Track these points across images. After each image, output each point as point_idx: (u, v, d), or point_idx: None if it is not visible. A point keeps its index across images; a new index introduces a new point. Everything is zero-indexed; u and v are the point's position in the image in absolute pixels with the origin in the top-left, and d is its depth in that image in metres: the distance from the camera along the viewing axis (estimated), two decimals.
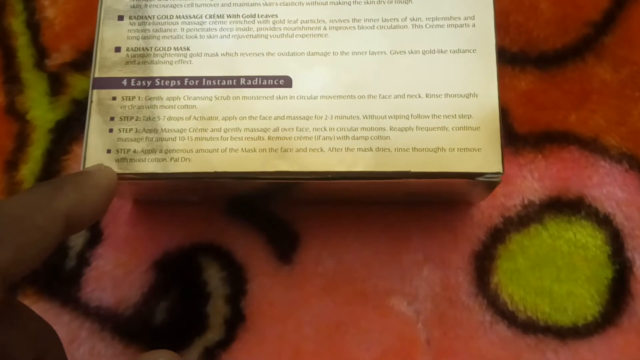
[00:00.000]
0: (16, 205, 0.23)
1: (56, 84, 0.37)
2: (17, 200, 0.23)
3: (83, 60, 0.37)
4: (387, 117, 0.27)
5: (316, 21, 0.29)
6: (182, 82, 0.28)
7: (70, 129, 0.36)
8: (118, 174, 0.27)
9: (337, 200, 0.33)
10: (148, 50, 0.28)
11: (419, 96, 0.27)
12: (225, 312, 0.33)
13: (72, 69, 0.37)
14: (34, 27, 0.38)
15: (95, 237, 0.34)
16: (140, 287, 0.34)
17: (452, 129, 0.27)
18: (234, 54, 0.28)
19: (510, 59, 0.35)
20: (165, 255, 0.34)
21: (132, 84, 0.28)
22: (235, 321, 0.33)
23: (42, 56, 0.37)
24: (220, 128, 0.27)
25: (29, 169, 0.35)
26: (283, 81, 0.28)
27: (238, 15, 0.29)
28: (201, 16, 0.29)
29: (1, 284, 0.21)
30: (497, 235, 0.33)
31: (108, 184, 0.26)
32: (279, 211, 0.34)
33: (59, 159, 0.36)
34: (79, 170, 0.26)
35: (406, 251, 0.33)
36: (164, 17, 0.29)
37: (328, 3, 0.29)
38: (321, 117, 0.27)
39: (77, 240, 0.34)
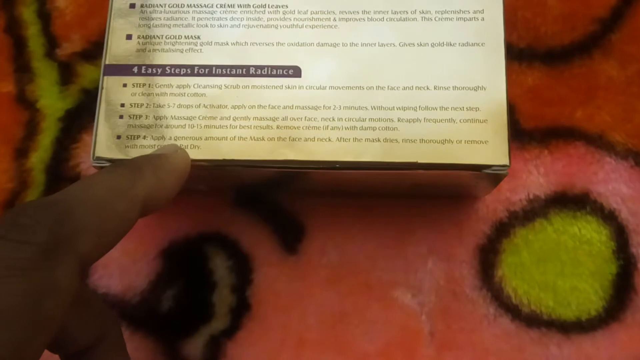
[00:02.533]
0: (99, 188, 0.22)
1: (66, 74, 0.37)
2: (99, 182, 0.23)
3: (93, 50, 0.37)
4: (395, 108, 0.27)
5: (326, 12, 0.29)
6: (192, 71, 0.28)
7: (80, 118, 0.36)
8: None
9: (343, 192, 0.33)
10: (159, 38, 0.29)
11: (427, 88, 0.28)
12: (230, 301, 0.33)
13: (82, 59, 0.37)
14: (44, 16, 0.38)
15: None
16: (147, 275, 0.34)
17: (460, 121, 0.27)
18: (244, 44, 0.28)
19: (517, 54, 0.35)
20: (172, 244, 0.34)
21: (143, 71, 0.28)
22: (241, 310, 0.33)
23: (52, 46, 0.38)
24: (230, 116, 0.28)
25: (38, 157, 0.36)
26: (292, 71, 0.28)
27: (249, 5, 0.29)
28: (212, 5, 0.29)
29: (80, 268, 0.21)
30: (502, 230, 0.33)
31: (184, 168, 0.26)
32: (285, 202, 0.35)
33: (68, 147, 0.36)
34: (156, 152, 0.26)
35: (411, 244, 0.34)
36: (175, 5, 0.29)
37: None
38: (329, 107, 0.27)
39: None
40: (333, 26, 0.29)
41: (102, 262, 0.34)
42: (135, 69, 0.28)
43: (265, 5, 0.29)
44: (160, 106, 0.28)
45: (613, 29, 0.35)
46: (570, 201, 0.33)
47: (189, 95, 0.28)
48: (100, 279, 0.34)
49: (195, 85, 0.28)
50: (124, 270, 0.34)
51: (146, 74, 0.28)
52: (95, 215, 0.21)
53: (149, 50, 0.29)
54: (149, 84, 0.28)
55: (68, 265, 0.20)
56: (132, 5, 0.29)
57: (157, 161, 0.25)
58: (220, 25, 0.29)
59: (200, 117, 0.28)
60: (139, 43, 0.29)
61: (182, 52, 0.29)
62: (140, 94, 0.28)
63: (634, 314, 0.32)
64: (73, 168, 0.35)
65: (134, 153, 0.27)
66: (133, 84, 0.28)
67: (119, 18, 0.29)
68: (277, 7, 0.29)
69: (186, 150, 0.27)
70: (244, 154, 0.27)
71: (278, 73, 0.28)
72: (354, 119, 0.27)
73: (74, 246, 0.20)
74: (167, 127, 0.28)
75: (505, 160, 0.27)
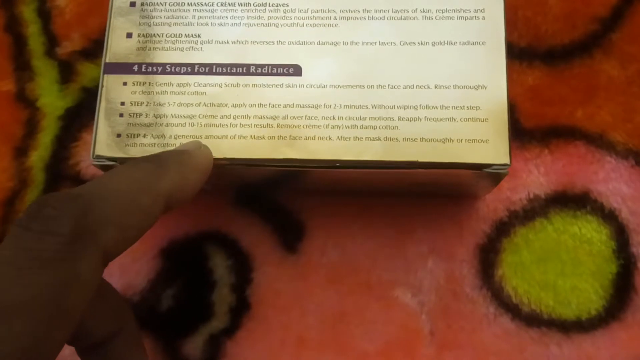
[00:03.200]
0: (122, 182, 0.22)
1: (66, 72, 0.37)
2: (123, 176, 0.23)
3: (93, 49, 0.37)
4: (395, 107, 0.27)
5: (327, 11, 0.29)
6: (192, 69, 0.28)
7: (80, 116, 0.36)
8: (127, 158, 0.27)
9: (344, 191, 0.33)
10: (159, 36, 0.29)
11: (428, 87, 0.28)
12: (230, 300, 0.33)
13: (82, 57, 0.37)
14: (44, 15, 0.38)
15: None
16: (147, 274, 0.34)
17: (461, 120, 0.27)
18: (244, 42, 0.28)
19: (517, 54, 0.35)
20: (172, 243, 0.34)
21: (143, 69, 0.28)
22: (240, 309, 0.33)
23: (52, 44, 0.38)
24: (230, 115, 0.28)
25: (38, 155, 0.36)
26: (293, 70, 0.28)
27: (249, 4, 0.29)
28: (212, 4, 0.29)
29: (102, 262, 0.20)
30: (502, 229, 0.33)
31: (207, 165, 0.26)
32: (285, 201, 0.35)
33: (68, 146, 0.36)
34: (180, 149, 0.26)
35: (411, 243, 0.34)
36: (175, 4, 0.29)
37: None
38: (330, 106, 0.27)
39: None
40: (334, 25, 0.29)
41: None
42: (136, 68, 0.28)
43: (266, 3, 0.29)
44: (160, 104, 0.28)
45: (613, 29, 0.35)
46: (571, 200, 0.33)
47: (189, 93, 0.28)
48: None
49: (196, 84, 0.28)
50: (124, 269, 0.34)
51: (146, 73, 0.28)
52: (119, 209, 0.21)
53: (150, 49, 0.29)
54: (149, 83, 0.28)
55: (91, 258, 0.20)
56: (133, 4, 0.29)
57: (181, 157, 0.25)
58: (221, 24, 0.29)
59: (201, 116, 0.28)
60: (139, 41, 0.29)
61: (182, 50, 0.28)
62: (141, 93, 0.28)
63: (634, 313, 0.32)
64: (73, 167, 0.35)
65: (134, 151, 0.27)
66: (133, 83, 0.28)
67: (120, 16, 0.29)
68: (277, 5, 0.29)
69: None
70: (245, 152, 0.27)
71: (278, 72, 0.28)
72: (355, 118, 0.27)
73: (97, 239, 0.20)
74: (167, 125, 0.28)
75: (505, 159, 0.27)
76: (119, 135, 0.28)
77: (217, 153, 0.27)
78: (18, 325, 0.18)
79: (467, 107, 0.27)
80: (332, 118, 0.27)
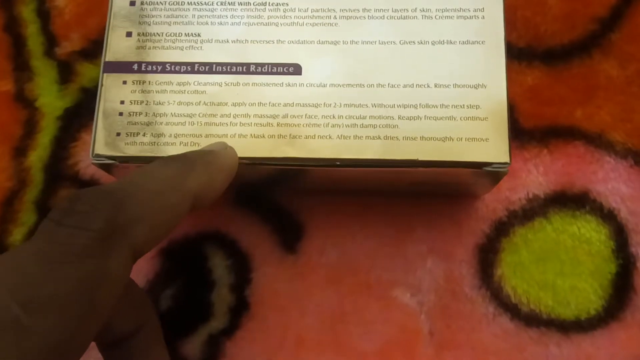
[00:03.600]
0: (153, 180, 0.22)
1: (65, 72, 0.37)
2: (153, 174, 0.23)
3: (92, 49, 0.37)
4: (395, 106, 0.27)
5: (327, 10, 0.29)
6: (192, 68, 0.28)
7: (79, 116, 0.36)
8: (126, 157, 0.27)
9: (343, 191, 0.33)
10: (159, 35, 0.29)
11: (428, 86, 0.28)
12: (229, 300, 0.33)
13: (82, 58, 0.37)
14: (44, 15, 0.38)
15: None
16: (145, 275, 0.34)
17: (460, 119, 0.27)
18: (244, 41, 0.28)
19: (517, 54, 0.35)
20: (171, 243, 0.34)
21: (143, 68, 0.28)
22: (240, 309, 0.33)
23: (51, 44, 0.38)
24: (230, 114, 0.28)
25: (37, 155, 0.36)
26: (293, 69, 0.28)
27: (249, 3, 0.29)
28: (212, 3, 0.29)
29: (132, 259, 0.21)
30: (502, 229, 0.33)
31: (232, 166, 0.26)
32: (285, 201, 0.34)
33: (67, 146, 0.36)
34: (207, 149, 0.26)
35: (410, 243, 0.34)
36: (175, 3, 0.29)
37: None
38: (330, 105, 0.27)
39: None
40: (334, 24, 0.29)
41: None
42: (135, 67, 0.28)
43: (266, 2, 0.29)
44: (160, 103, 0.28)
45: (613, 29, 0.35)
46: (570, 200, 0.33)
47: (189, 92, 0.28)
48: None
49: (196, 83, 0.28)
50: None
51: (146, 72, 0.28)
52: (149, 207, 0.21)
53: (149, 48, 0.29)
54: (149, 82, 0.28)
55: (121, 255, 0.20)
56: (133, 3, 0.29)
57: (208, 157, 0.25)
58: (221, 23, 0.29)
59: (201, 115, 0.28)
60: (139, 40, 0.29)
61: (182, 49, 0.28)
62: (140, 92, 0.28)
63: (634, 313, 0.32)
64: (72, 167, 0.35)
65: (133, 150, 0.27)
66: (133, 82, 0.28)
67: (119, 15, 0.29)
68: (277, 4, 0.29)
69: (186, 147, 0.27)
70: (244, 151, 0.27)
71: (278, 71, 0.28)
72: (355, 117, 0.27)
73: (127, 236, 0.20)
74: (166, 124, 0.28)
75: (505, 158, 0.27)
76: (118, 134, 0.28)
77: None
78: (50, 320, 0.18)
79: (467, 105, 0.27)
80: (332, 117, 0.27)
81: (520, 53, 0.35)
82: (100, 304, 0.19)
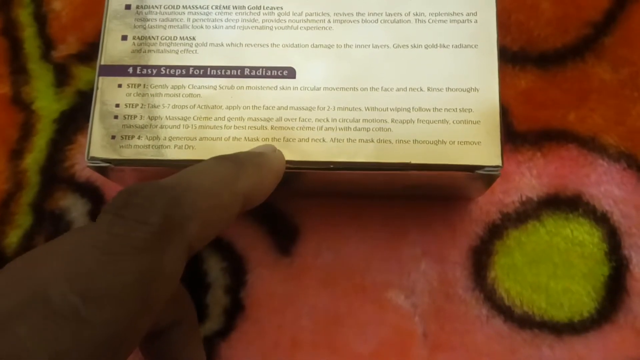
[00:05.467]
0: (207, 178, 0.22)
1: (62, 75, 0.37)
2: (207, 172, 0.23)
3: (89, 52, 0.37)
4: (389, 109, 0.28)
5: (321, 14, 0.29)
6: (187, 71, 0.28)
7: (75, 119, 0.36)
8: (121, 160, 0.27)
9: (337, 193, 0.33)
10: (154, 39, 0.29)
11: (421, 89, 0.28)
12: (224, 302, 0.33)
13: (78, 61, 0.37)
14: (41, 18, 0.38)
15: None
16: None
17: (453, 122, 0.27)
18: (239, 45, 0.29)
19: (510, 57, 0.35)
20: None
21: (138, 71, 0.28)
22: (235, 311, 0.33)
23: (48, 48, 0.38)
24: (224, 117, 0.28)
25: (33, 158, 0.36)
26: (287, 72, 0.28)
27: (244, 7, 0.29)
28: (207, 7, 0.29)
29: (186, 255, 0.21)
30: (495, 231, 0.34)
31: (280, 169, 0.26)
32: (279, 204, 0.35)
33: (63, 148, 0.36)
34: (256, 150, 0.26)
35: (404, 245, 0.34)
36: (170, 6, 0.29)
37: None
38: (324, 108, 0.28)
39: None
40: (327, 28, 0.29)
41: None
42: (131, 70, 0.28)
43: (260, 6, 0.29)
44: (155, 107, 0.28)
45: (606, 32, 0.36)
46: (563, 203, 0.34)
47: (184, 95, 0.28)
48: None
49: (190, 86, 0.28)
50: None
51: (141, 75, 0.28)
52: (204, 205, 0.21)
53: (144, 51, 0.29)
54: (144, 85, 0.28)
55: (176, 251, 0.20)
56: (128, 7, 0.29)
57: (258, 159, 0.25)
58: (216, 27, 0.29)
59: (195, 118, 0.28)
60: (134, 44, 0.29)
61: (177, 53, 0.29)
62: (135, 95, 0.28)
63: (626, 315, 0.32)
64: (68, 169, 0.36)
65: (128, 153, 0.27)
66: (128, 85, 0.28)
67: (115, 19, 0.29)
68: (272, 8, 0.29)
69: (181, 150, 0.27)
70: None
71: (273, 74, 0.28)
72: (348, 120, 0.27)
73: (183, 232, 0.20)
74: (161, 127, 0.28)
75: (497, 161, 0.27)
76: (113, 137, 0.28)
77: (211, 155, 0.27)
78: (107, 313, 0.18)
79: (460, 109, 0.27)
80: (325, 120, 0.28)
81: (514, 56, 0.35)
82: (154, 299, 0.19)
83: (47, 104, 0.37)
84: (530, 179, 0.34)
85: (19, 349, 0.16)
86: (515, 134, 0.34)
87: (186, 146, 0.27)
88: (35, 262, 0.19)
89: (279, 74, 0.28)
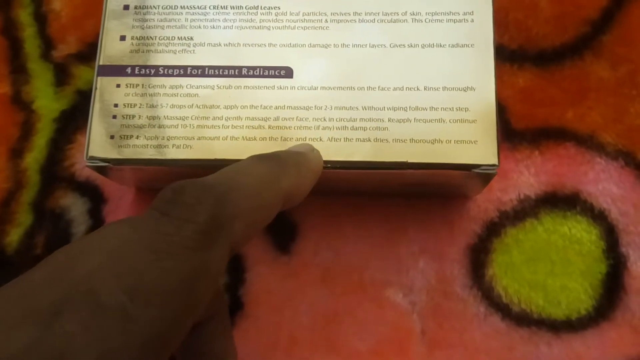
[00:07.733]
0: (250, 177, 0.22)
1: (61, 75, 0.37)
2: (250, 171, 0.23)
3: (88, 52, 0.37)
4: (385, 108, 0.28)
5: (318, 14, 0.29)
6: (185, 71, 0.29)
7: (75, 118, 0.36)
8: (120, 159, 0.28)
9: (336, 191, 0.33)
10: (152, 39, 0.29)
11: (418, 89, 0.28)
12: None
13: (78, 60, 0.38)
14: (40, 18, 0.38)
15: (98, 224, 0.35)
16: None
17: (450, 121, 0.27)
18: (236, 45, 0.29)
19: (508, 56, 0.35)
20: None
21: (136, 72, 0.29)
22: (233, 309, 0.33)
23: (48, 47, 0.38)
24: (222, 116, 0.28)
25: (33, 157, 0.36)
26: (284, 72, 0.28)
27: (241, 7, 0.29)
28: (205, 7, 0.29)
29: (229, 254, 0.21)
30: (493, 229, 0.34)
31: (319, 168, 0.26)
32: None
33: (63, 148, 0.36)
34: (296, 149, 0.26)
35: (403, 243, 0.34)
36: (168, 7, 0.29)
37: None
38: (321, 108, 0.28)
39: (80, 227, 0.35)
40: (324, 27, 0.29)
41: None
42: (129, 70, 0.29)
43: (258, 6, 0.29)
44: (153, 106, 0.28)
45: (604, 31, 0.36)
46: (561, 201, 0.34)
47: (182, 95, 0.28)
48: None
49: (188, 86, 0.28)
50: None
51: (140, 75, 0.29)
52: (248, 203, 0.21)
53: (143, 51, 0.29)
54: (143, 85, 0.28)
55: (220, 250, 0.20)
56: (126, 7, 0.29)
57: (298, 158, 0.25)
58: (213, 27, 0.29)
59: (193, 117, 0.28)
60: (132, 44, 0.29)
61: (175, 53, 0.29)
62: (134, 95, 0.28)
63: (624, 313, 0.32)
64: (68, 168, 0.36)
65: (127, 153, 0.28)
66: (127, 85, 0.28)
67: (113, 19, 0.29)
68: (269, 8, 0.29)
69: (179, 149, 0.27)
70: (236, 153, 0.27)
71: (270, 74, 0.28)
72: (345, 119, 0.28)
73: (227, 231, 0.20)
74: (160, 127, 0.28)
75: (494, 160, 0.27)
76: (112, 137, 0.28)
77: (209, 154, 0.27)
78: (153, 310, 0.17)
79: (456, 108, 0.28)
80: (322, 119, 0.28)
81: (512, 55, 0.36)
82: (200, 298, 0.19)
83: (47, 103, 0.37)
84: (528, 177, 0.34)
85: (68, 346, 0.16)
86: (513, 132, 0.35)
87: (184, 146, 0.28)
88: (78, 256, 0.19)
89: (277, 73, 0.28)
